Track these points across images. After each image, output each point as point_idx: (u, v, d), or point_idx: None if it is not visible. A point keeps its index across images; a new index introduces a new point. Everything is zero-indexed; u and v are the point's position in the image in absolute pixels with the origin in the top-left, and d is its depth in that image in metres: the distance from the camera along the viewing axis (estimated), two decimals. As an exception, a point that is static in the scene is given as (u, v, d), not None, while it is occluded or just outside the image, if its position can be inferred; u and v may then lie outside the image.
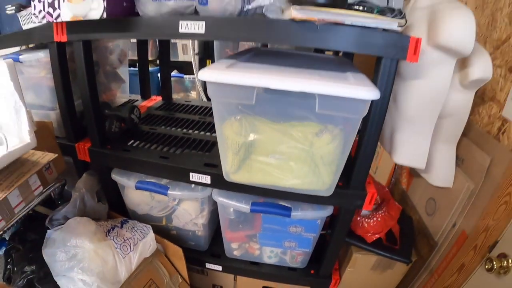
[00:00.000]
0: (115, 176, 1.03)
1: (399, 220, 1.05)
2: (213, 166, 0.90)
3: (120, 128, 1.05)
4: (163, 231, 1.09)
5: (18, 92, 0.84)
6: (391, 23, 0.66)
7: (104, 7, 0.77)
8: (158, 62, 2.13)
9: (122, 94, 1.33)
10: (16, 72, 0.85)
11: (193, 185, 0.96)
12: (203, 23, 0.72)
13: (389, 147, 0.92)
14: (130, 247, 0.99)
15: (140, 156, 0.95)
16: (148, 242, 1.00)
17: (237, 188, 0.86)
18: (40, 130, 1.02)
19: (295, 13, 0.63)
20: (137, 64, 1.36)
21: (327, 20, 0.63)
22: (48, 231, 0.99)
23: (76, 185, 1.07)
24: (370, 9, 0.69)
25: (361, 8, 0.69)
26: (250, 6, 0.71)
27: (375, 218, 1.00)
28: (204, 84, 2.20)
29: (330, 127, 0.72)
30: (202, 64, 2.10)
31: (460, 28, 0.70)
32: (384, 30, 0.67)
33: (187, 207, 1.01)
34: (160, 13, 0.77)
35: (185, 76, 2.34)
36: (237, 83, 0.65)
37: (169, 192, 0.96)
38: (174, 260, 1.04)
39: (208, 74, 0.66)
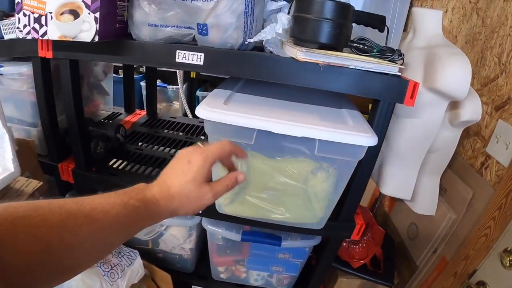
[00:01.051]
0: (100, 198, 0.97)
1: (382, 243, 1.06)
2: (204, 195, 0.86)
3: (106, 147, 0.99)
4: (149, 254, 1.04)
5: (1, 118, 0.78)
6: (393, 68, 0.65)
7: (96, 29, 0.71)
8: (141, 69, 2.04)
9: (106, 105, 1.26)
10: (-2, 96, 0.78)
11: (182, 210, 0.93)
12: (202, 55, 0.69)
13: (377, 177, 0.93)
14: (118, 273, 0.94)
15: (127, 181, 0.89)
16: (136, 269, 0.95)
17: (229, 219, 0.84)
18: (22, 149, 0.95)
19: (301, 55, 0.61)
20: (120, 71, 1.29)
21: (331, 63, 0.62)
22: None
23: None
24: (370, 48, 0.68)
25: (361, 46, 0.68)
26: (252, 40, 0.68)
27: (360, 244, 1.00)
28: (187, 95, 2.10)
29: (325, 165, 0.71)
30: (186, 74, 2.01)
31: (457, 76, 0.70)
32: (384, 73, 0.67)
33: (175, 232, 0.97)
34: (156, 38, 0.73)
35: (168, 86, 2.21)
36: (238, 125, 0.62)
37: (157, 218, 0.91)
38: (161, 284, 1.00)
39: (207, 112, 0.63)
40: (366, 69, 0.63)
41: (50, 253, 0.33)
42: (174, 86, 2.08)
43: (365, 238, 1.01)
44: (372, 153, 0.72)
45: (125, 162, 0.99)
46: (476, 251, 0.92)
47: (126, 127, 1.17)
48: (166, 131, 1.19)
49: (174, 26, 0.70)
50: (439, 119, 0.79)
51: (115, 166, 0.97)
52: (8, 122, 1.01)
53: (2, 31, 0.89)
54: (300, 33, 0.66)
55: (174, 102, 2.14)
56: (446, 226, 1.00)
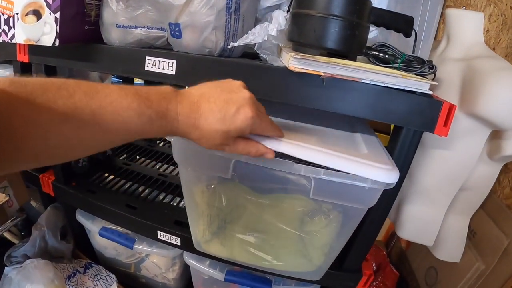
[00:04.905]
0: (80, 217, 0.80)
1: (395, 288, 0.82)
2: (185, 226, 0.67)
3: (90, 161, 0.82)
4: (132, 278, 0.86)
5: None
6: (422, 85, 0.43)
7: (57, 32, 0.54)
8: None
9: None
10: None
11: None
12: (174, 62, 0.49)
13: (394, 217, 0.69)
14: (90, 299, 0.77)
15: (104, 201, 0.72)
16: (109, 297, 0.77)
17: (211, 256, 0.63)
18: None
19: (294, 64, 0.40)
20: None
21: (337, 75, 0.40)
22: (6, 268, 0.81)
23: (38, 221, 0.85)
24: (393, 58, 0.46)
25: (380, 55, 0.46)
26: (236, 44, 0.48)
27: (369, 290, 0.76)
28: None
29: (326, 208, 0.49)
30: None
31: (506, 99, 0.47)
32: (409, 91, 0.44)
33: (156, 260, 0.78)
34: (125, 42, 0.54)
35: None
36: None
37: (135, 246, 0.73)
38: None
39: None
40: (386, 85, 0.41)
41: (47, 142, 0.28)
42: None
43: (375, 283, 0.77)
44: (389, 196, 0.50)
45: (108, 179, 0.81)
46: (512, 313, 0.66)
47: (120, 138, 0.99)
48: (162, 144, 1.00)
49: (144, 27, 0.52)
50: (477, 151, 0.56)
51: (97, 182, 0.79)
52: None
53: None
54: (299, 35, 0.45)
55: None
56: (472, 277, 0.75)
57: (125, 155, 0.92)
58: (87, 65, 0.58)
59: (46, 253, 0.84)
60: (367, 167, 0.39)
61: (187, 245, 0.65)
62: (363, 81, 0.40)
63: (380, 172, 0.39)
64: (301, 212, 0.50)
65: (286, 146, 0.39)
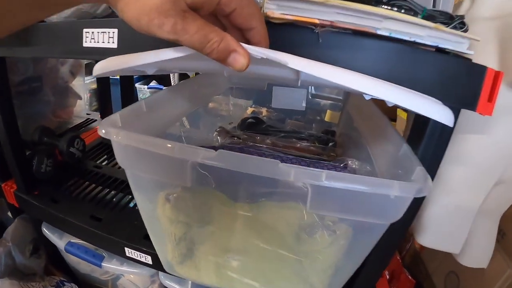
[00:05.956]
0: (45, 231, 0.67)
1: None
2: (156, 240, 0.53)
3: (54, 165, 0.69)
4: (111, 296, 0.73)
5: None
6: (461, 41, 0.28)
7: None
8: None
9: (83, 111, 0.96)
10: None
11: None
12: (115, 31, 0.35)
13: (413, 221, 0.55)
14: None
15: (67, 213, 0.59)
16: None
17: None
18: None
19: (271, 7, 0.25)
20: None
21: (339, 24, 0.26)
22: (-30, 290, 0.66)
23: (3, 236, 0.72)
24: (411, 12, 0.31)
25: (395, 9, 0.32)
26: None
27: (382, 305, 0.63)
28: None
29: (330, 220, 0.35)
30: (184, 75, 1.57)
31: None
32: (439, 51, 0.30)
33: (132, 278, 0.65)
34: (62, 15, 0.40)
35: (164, 88, 1.64)
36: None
37: (103, 264, 0.60)
38: None
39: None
40: (412, 39, 0.27)
41: None
42: (171, 88, 1.67)
43: (388, 295, 0.63)
44: (415, 201, 0.36)
45: (75, 185, 0.68)
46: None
47: (94, 137, 0.86)
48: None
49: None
50: (522, 135, 0.41)
51: (62, 189, 0.66)
52: None
53: None
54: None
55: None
56: (502, 285, 0.61)
57: (99, 157, 0.78)
58: (22, 51, 0.44)
59: (15, 271, 0.72)
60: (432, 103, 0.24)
61: (160, 264, 0.52)
62: (378, 32, 0.25)
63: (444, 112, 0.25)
64: (296, 226, 0.36)
65: (277, 52, 0.22)
